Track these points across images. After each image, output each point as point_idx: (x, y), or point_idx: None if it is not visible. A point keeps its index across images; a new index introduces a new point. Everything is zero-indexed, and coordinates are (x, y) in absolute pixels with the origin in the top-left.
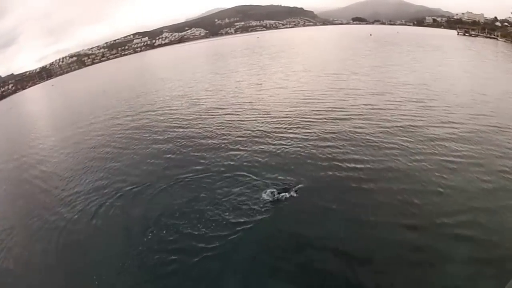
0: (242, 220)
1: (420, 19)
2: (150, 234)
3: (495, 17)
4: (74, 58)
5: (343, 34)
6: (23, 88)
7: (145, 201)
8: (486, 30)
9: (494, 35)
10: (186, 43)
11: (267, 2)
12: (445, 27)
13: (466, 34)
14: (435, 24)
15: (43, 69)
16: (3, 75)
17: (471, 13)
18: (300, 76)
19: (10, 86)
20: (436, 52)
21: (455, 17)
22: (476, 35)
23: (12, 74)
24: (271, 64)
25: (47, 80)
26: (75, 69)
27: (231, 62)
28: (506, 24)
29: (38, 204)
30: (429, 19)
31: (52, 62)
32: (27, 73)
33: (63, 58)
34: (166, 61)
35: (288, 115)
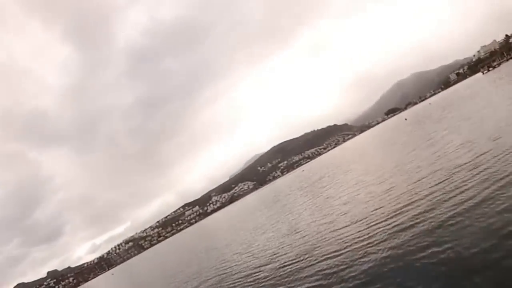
0: None
1: (445, 80)
2: None
3: (506, 35)
4: (131, 244)
5: (379, 132)
6: (85, 281)
7: None
8: (505, 54)
9: None
10: (238, 202)
11: (300, 132)
12: (469, 75)
13: (490, 69)
14: (461, 77)
15: (101, 259)
16: (59, 269)
17: (485, 46)
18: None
19: (71, 279)
20: (467, 102)
21: (474, 60)
22: (499, 64)
23: (69, 267)
24: (312, 195)
25: (108, 269)
26: (134, 255)
27: (274, 208)
28: None
29: None
30: (453, 76)
31: (109, 251)
32: (85, 265)
33: (119, 245)
34: (215, 228)
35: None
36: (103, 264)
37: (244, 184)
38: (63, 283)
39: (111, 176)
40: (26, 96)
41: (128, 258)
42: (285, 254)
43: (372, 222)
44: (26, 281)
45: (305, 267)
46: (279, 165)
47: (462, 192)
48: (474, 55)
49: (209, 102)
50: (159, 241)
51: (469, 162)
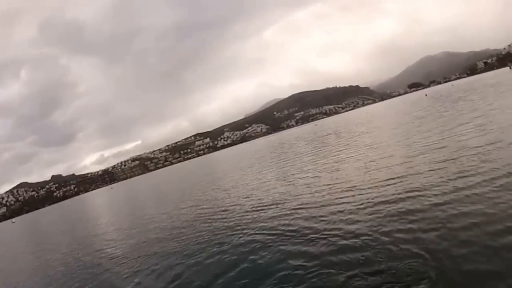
0: None
1: (472, 67)
2: None
3: None
4: (137, 162)
5: (398, 102)
6: (86, 190)
7: None
8: None
9: None
10: (248, 142)
11: (322, 86)
12: (497, 67)
13: None
14: (487, 67)
15: (106, 171)
16: (64, 174)
17: None
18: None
19: (72, 187)
20: (484, 94)
21: (503, 53)
22: None
23: (73, 174)
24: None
25: (110, 183)
26: (138, 174)
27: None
28: None
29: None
30: (480, 64)
31: (115, 166)
32: (89, 175)
33: (125, 161)
34: (221, 163)
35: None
36: (106, 177)
37: (258, 126)
38: (64, 189)
39: (132, 92)
40: (68, 5)
41: (131, 176)
42: (259, 200)
43: (352, 186)
44: (29, 181)
45: (274, 216)
46: (295, 114)
47: (457, 176)
48: (504, 48)
49: (238, 37)
50: (164, 165)
51: (475, 147)
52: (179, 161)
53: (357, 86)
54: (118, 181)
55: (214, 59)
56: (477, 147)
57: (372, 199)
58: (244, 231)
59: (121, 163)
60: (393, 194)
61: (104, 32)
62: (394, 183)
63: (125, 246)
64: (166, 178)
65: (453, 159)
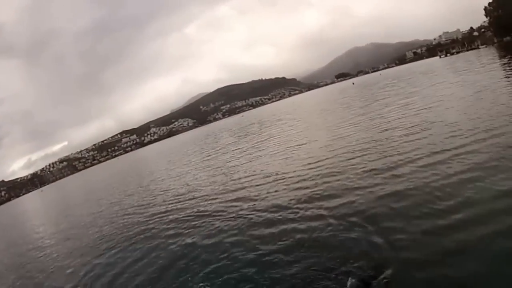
0: None
1: (401, 57)
2: None
3: (471, 27)
4: (65, 163)
5: (325, 91)
6: (17, 196)
7: None
8: (466, 44)
9: (475, 46)
10: (176, 137)
11: (247, 79)
12: (427, 56)
13: (448, 54)
14: (417, 56)
15: (35, 175)
16: None
17: (447, 32)
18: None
19: (3, 193)
20: (412, 80)
21: (433, 43)
22: (458, 52)
23: (3, 180)
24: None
25: (40, 187)
26: (67, 175)
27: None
28: (483, 30)
29: None
30: (409, 54)
31: (43, 168)
32: (19, 180)
33: (53, 163)
34: (148, 160)
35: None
36: (36, 180)
37: (184, 121)
38: None
39: (56, 94)
40: None
41: (60, 178)
42: (180, 193)
43: (276, 172)
44: None
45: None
46: (222, 107)
47: (381, 157)
48: (434, 39)
49: (160, 34)
50: (93, 164)
51: (399, 129)
52: (107, 159)
53: (283, 78)
54: (48, 184)
55: (136, 57)
56: (401, 128)
57: (296, 182)
58: (172, 231)
59: (49, 165)
60: (316, 180)
61: (22, 33)
62: (318, 167)
63: (55, 250)
64: (93, 177)
65: (378, 140)
